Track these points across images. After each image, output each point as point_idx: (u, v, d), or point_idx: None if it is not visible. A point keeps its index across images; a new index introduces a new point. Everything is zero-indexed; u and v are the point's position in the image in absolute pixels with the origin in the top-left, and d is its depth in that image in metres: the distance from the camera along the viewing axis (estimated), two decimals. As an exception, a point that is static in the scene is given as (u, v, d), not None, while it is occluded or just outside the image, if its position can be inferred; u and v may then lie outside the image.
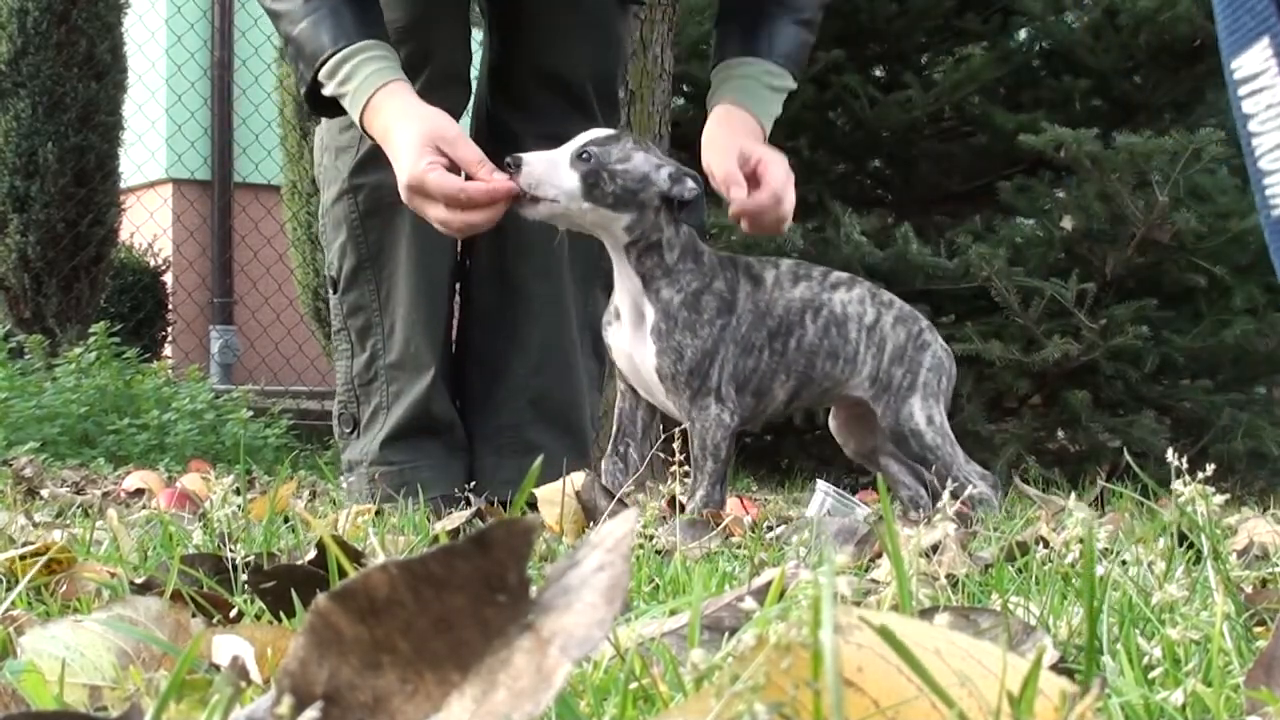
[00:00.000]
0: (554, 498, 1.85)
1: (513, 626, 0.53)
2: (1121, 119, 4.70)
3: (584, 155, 2.11)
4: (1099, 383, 4.30)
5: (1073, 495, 1.29)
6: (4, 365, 5.08)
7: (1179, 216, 4.14)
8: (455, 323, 2.64)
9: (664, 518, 1.66)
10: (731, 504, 2.32)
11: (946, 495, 1.08)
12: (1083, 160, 4.10)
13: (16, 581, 1.07)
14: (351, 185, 2.51)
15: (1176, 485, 1.08)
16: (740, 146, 2.23)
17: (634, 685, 0.72)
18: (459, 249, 2.60)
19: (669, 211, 2.18)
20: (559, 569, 0.55)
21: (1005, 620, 0.83)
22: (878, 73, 4.87)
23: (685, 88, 4.68)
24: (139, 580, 1.11)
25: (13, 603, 0.98)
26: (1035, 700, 0.57)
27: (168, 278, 7.80)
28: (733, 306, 2.23)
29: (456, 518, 1.76)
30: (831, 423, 2.53)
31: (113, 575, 1.15)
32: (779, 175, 2.22)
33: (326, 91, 2.22)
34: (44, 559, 1.11)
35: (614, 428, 2.33)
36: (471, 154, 2.10)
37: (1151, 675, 0.82)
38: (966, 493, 1.97)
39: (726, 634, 0.85)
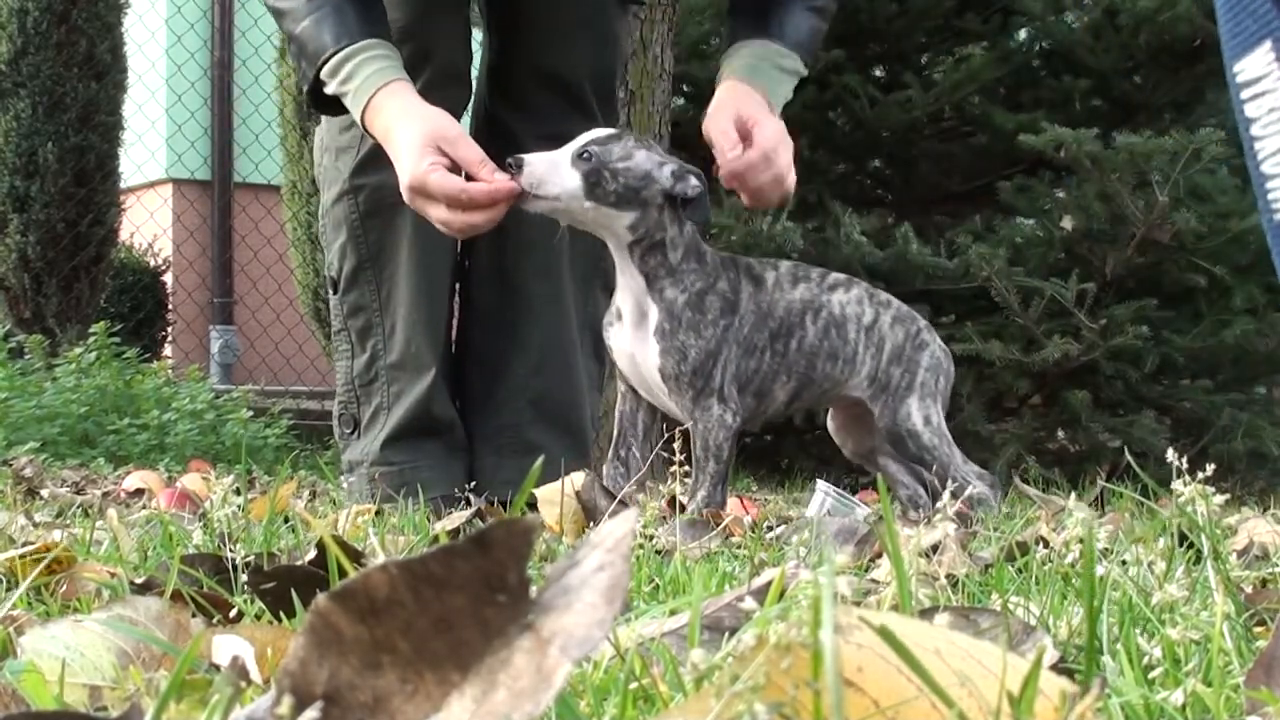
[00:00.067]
0: (554, 498, 1.85)
1: (513, 626, 0.53)
2: (1121, 119, 4.70)
3: (585, 155, 2.11)
4: (1099, 383, 4.30)
5: (1073, 495, 1.29)
6: (4, 365, 5.08)
7: (1179, 216, 4.14)
8: (455, 323, 2.64)
9: (664, 518, 1.66)
10: (731, 504, 2.32)
11: (946, 495, 1.08)
12: (1083, 160, 4.10)
13: (17, 582, 1.07)
14: (352, 186, 2.51)
15: (1176, 485, 1.08)
16: (738, 110, 2.22)
17: (634, 685, 0.72)
18: (459, 249, 2.60)
19: (672, 210, 2.17)
20: (559, 569, 0.55)
21: (1005, 620, 0.83)
22: (878, 73, 4.87)
23: (685, 88, 4.68)
24: (139, 580, 1.11)
25: (13, 603, 0.98)
26: (1035, 700, 0.57)
27: (168, 278, 7.80)
28: (736, 307, 2.23)
29: (456, 518, 1.76)
30: (830, 423, 2.53)
31: (113, 575, 1.15)
32: (768, 135, 2.20)
33: (328, 90, 2.22)
34: (45, 559, 1.11)
35: (615, 431, 2.33)
36: (473, 154, 2.10)
37: (1151, 675, 0.82)
38: (966, 493, 1.97)
39: (726, 634, 0.85)
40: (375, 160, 2.38)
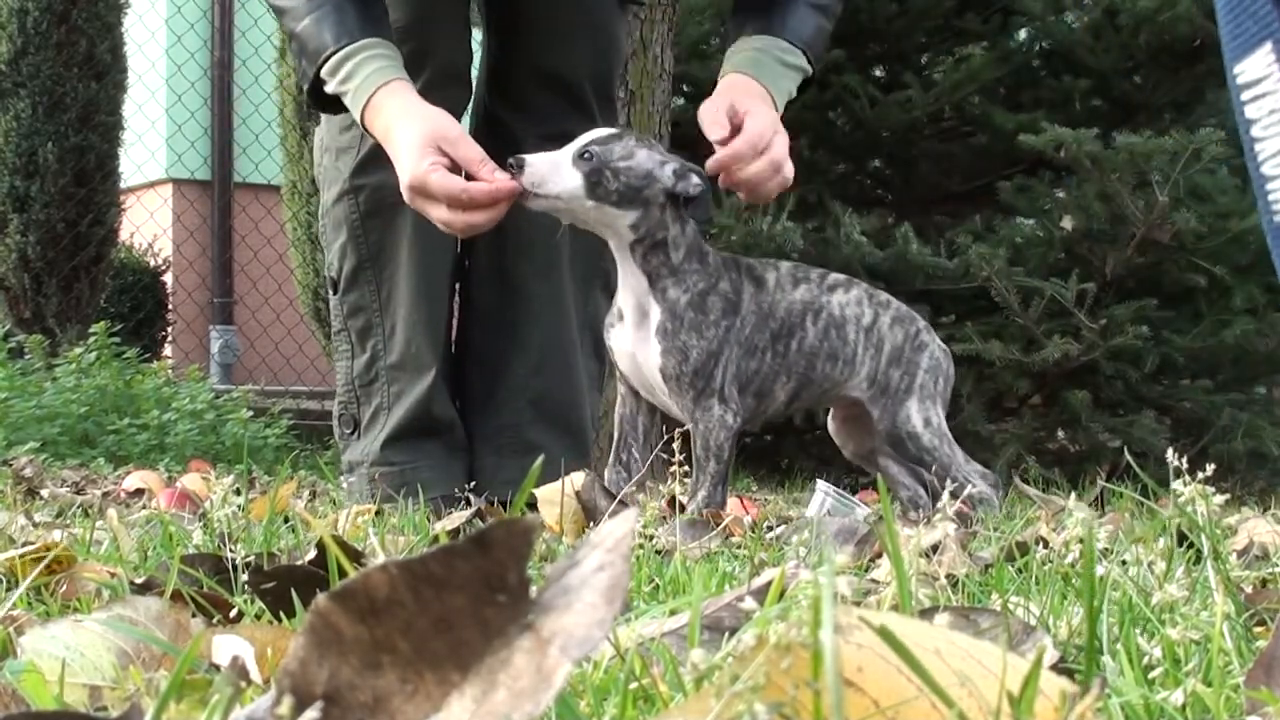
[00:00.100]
0: (554, 498, 1.85)
1: (513, 626, 0.53)
2: (1121, 119, 4.70)
3: (586, 155, 2.11)
4: (1099, 383, 4.30)
5: (1073, 495, 1.29)
6: (4, 365, 5.08)
7: (1179, 216, 4.14)
8: (455, 323, 2.64)
9: (664, 518, 1.66)
10: (731, 504, 2.32)
11: (946, 495, 1.08)
12: (1083, 160, 4.10)
13: (17, 582, 1.07)
14: (352, 186, 2.51)
15: (1176, 485, 1.08)
16: (732, 99, 2.20)
17: (634, 685, 0.72)
18: (459, 249, 2.60)
19: (674, 209, 2.17)
20: (559, 569, 0.55)
21: (1005, 620, 0.83)
22: (878, 73, 4.87)
23: (685, 88, 4.68)
24: (139, 580, 1.11)
25: (13, 603, 0.98)
26: (1035, 700, 0.57)
27: (168, 278, 7.80)
28: (737, 308, 2.23)
29: (456, 518, 1.76)
30: (830, 424, 2.53)
31: (113, 575, 1.15)
32: (758, 125, 2.16)
33: (328, 89, 2.22)
34: (45, 559, 1.11)
35: (615, 434, 2.33)
36: (474, 153, 2.10)
37: (1151, 675, 0.82)
38: (966, 492, 1.97)
39: (726, 634, 0.85)
40: (375, 160, 2.38)
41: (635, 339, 2.23)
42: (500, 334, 2.58)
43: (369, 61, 2.18)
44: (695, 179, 2.15)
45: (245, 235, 8.31)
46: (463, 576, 0.54)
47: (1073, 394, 4.20)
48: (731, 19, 2.44)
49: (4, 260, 6.12)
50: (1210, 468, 1.15)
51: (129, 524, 1.68)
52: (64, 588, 1.12)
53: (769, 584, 0.90)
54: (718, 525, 1.65)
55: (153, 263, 7.73)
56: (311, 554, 1.15)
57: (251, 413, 5.07)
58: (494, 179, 2.07)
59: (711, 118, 2.17)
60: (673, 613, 0.89)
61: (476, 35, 2.71)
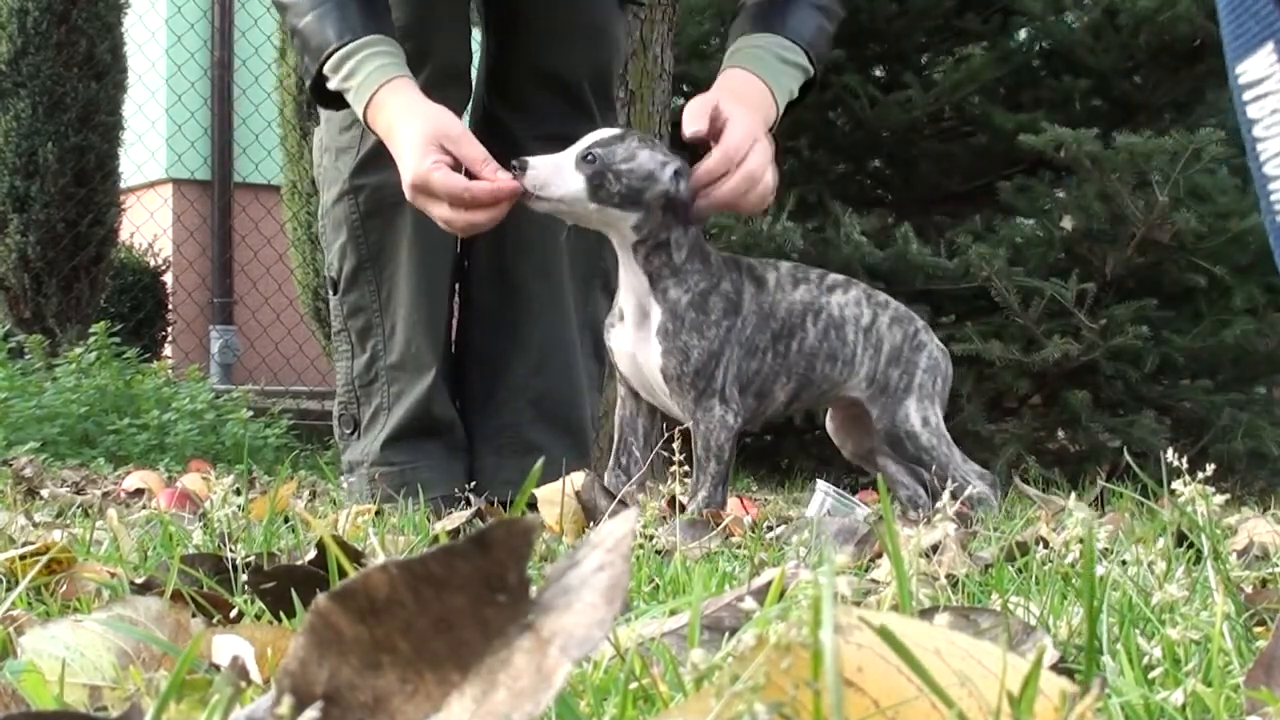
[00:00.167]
0: (554, 498, 1.85)
1: (513, 626, 0.53)
2: (1121, 119, 4.70)
3: (588, 157, 2.11)
4: (1099, 383, 4.30)
5: (1073, 495, 1.29)
6: (4, 365, 5.08)
7: (1179, 216, 4.14)
8: (455, 323, 2.64)
9: (664, 518, 1.66)
10: (731, 504, 2.32)
11: (946, 495, 1.08)
12: (1083, 160, 4.10)
13: (17, 581, 1.07)
14: (352, 186, 2.51)
15: (1176, 485, 1.08)
16: (719, 101, 2.15)
17: (634, 685, 0.72)
18: (459, 249, 2.60)
19: (676, 209, 2.17)
20: (559, 569, 0.55)
21: (1005, 620, 0.83)
22: (878, 73, 4.87)
23: (685, 88, 4.67)
24: (139, 580, 1.11)
25: (13, 603, 0.98)
26: (1035, 700, 0.57)
27: (168, 278, 7.80)
28: (738, 308, 2.23)
29: (456, 518, 1.76)
30: (829, 424, 2.53)
31: (113, 575, 1.15)
32: (734, 137, 2.11)
33: (331, 86, 2.22)
34: (45, 559, 1.11)
35: (615, 437, 2.32)
36: (476, 152, 2.09)
37: (1151, 675, 0.82)
38: (966, 492, 1.97)
39: (726, 634, 0.85)
40: (375, 160, 2.38)
41: (636, 339, 2.23)
42: (500, 334, 2.58)
43: (372, 59, 2.18)
44: (684, 183, 2.14)
45: (245, 235, 8.31)
46: (463, 576, 0.53)
47: (1073, 394, 4.20)
48: (734, 21, 2.43)
49: (4, 260, 6.12)
50: (1210, 468, 1.15)
51: (129, 524, 1.68)
52: (64, 588, 1.12)
53: (769, 584, 0.90)
54: (718, 525, 1.65)
55: (153, 263, 7.73)
56: (311, 554, 1.15)
57: (251, 413, 5.07)
58: (496, 178, 2.07)
59: (692, 113, 2.15)
60: (673, 613, 0.89)
61: (476, 35, 2.71)
